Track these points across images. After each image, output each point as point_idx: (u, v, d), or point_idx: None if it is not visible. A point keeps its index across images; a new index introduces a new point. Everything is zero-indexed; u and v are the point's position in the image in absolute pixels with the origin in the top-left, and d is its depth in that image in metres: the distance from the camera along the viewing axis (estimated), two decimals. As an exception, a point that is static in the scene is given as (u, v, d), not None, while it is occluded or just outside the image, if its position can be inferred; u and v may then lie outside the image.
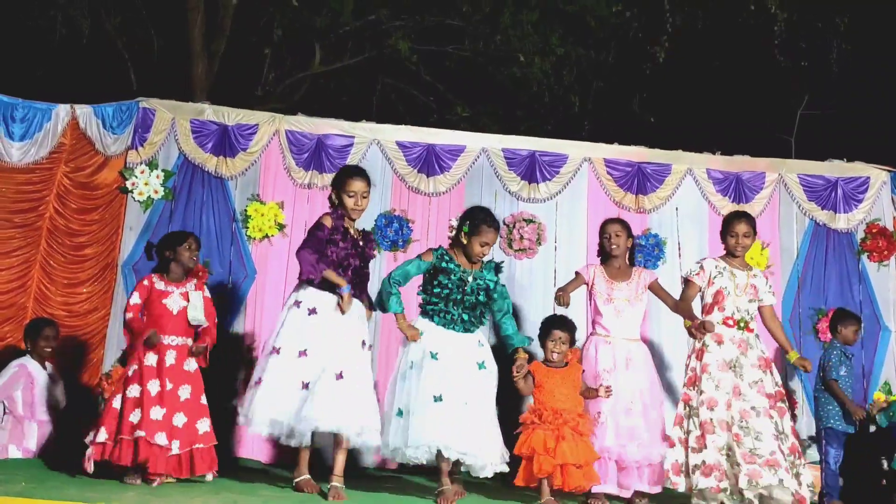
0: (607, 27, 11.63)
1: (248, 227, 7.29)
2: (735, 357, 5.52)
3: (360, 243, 5.37)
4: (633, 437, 5.44)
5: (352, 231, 5.36)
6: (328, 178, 7.41)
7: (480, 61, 11.80)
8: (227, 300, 7.10)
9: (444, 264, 5.36)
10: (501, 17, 11.24)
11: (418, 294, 5.59)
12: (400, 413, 5.16)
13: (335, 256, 5.17)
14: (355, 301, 5.20)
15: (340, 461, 5.07)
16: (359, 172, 5.43)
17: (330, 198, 5.45)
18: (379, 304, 5.45)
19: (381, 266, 7.35)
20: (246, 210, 7.31)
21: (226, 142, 7.37)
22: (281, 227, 7.33)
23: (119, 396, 5.18)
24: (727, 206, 7.70)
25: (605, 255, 5.98)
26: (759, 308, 5.75)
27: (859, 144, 8.38)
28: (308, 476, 5.19)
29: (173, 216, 7.23)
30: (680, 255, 7.58)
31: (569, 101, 11.90)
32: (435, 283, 5.38)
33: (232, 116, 7.44)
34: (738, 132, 10.57)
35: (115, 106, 7.26)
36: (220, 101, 7.80)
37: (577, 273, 6.01)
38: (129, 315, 5.30)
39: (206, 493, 4.60)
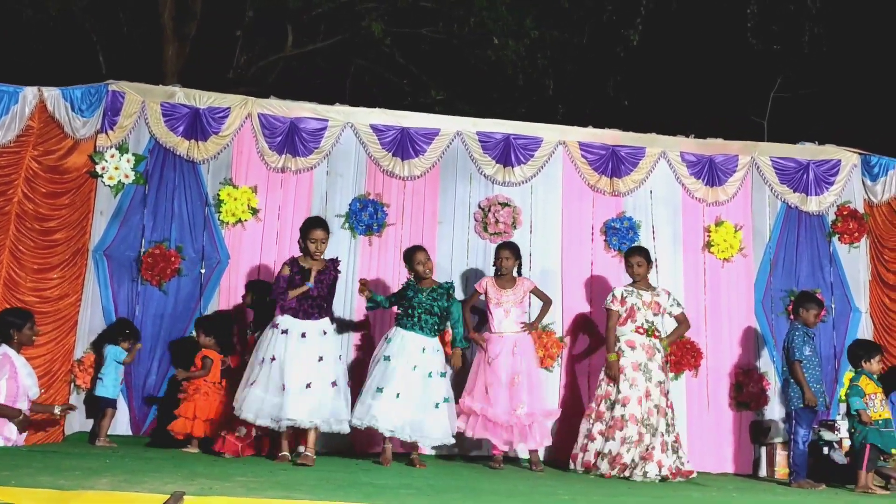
0: (581, 9, 11.63)
1: (220, 212, 7.22)
2: (644, 361, 6.59)
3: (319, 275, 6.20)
4: (519, 403, 6.56)
5: (310, 266, 6.18)
6: (301, 161, 7.39)
7: (454, 44, 11.76)
8: (200, 286, 7.07)
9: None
10: (476, -1, 11.20)
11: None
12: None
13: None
14: (311, 322, 6.10)
15: (311, 438, 5.98)
16: (319, 223, 6.30)
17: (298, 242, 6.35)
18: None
19: (356, 250, 7.33)
20: (219, 194, 7.24)
21: (197, 125, 7.28)
22: (254, 211, 7.27)
23: None
24: (700, 188, 7.75)
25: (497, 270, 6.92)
26: (674, 317, 6.89)
27: (831, 127, 8.45)
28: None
29: (145, 200, 7.16)
30: (654, 238, 7.62)
31: (543, 83, 11.90)
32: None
33: (203, 99, 7.36)
34: (711, 115, 10.62)
35: (84, 89, 7.12)
36: (191, 84, 7.70)
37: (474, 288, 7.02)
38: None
39: (181, 479, 4.58)
